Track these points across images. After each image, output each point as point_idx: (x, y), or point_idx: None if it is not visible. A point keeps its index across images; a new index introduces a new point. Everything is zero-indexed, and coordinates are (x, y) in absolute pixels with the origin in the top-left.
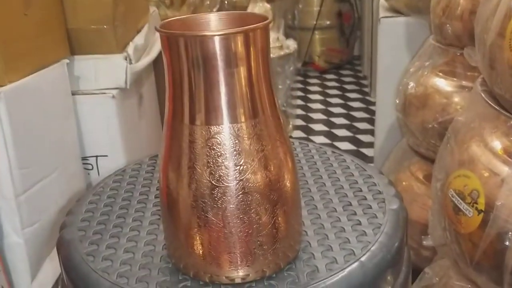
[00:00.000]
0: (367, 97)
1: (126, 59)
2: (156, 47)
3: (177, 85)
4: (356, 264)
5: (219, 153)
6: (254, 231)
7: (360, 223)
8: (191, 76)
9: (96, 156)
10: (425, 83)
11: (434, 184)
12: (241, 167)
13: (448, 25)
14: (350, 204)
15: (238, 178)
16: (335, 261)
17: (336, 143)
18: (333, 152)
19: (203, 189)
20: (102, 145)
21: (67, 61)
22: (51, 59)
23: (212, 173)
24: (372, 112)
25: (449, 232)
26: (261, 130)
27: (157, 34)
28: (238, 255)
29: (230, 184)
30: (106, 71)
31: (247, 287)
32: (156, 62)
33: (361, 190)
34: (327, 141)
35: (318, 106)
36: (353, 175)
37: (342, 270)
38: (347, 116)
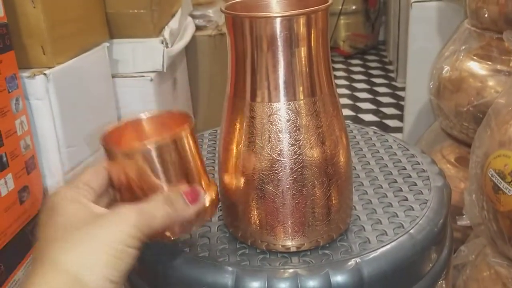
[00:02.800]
0: (393, 83)
1: (162, 43)
2: (189, 31)
3: (240, 64)
4: (405, 236)
5: (280, 129)
6: (311, 203)
7: (406, 199)
8: (254, 55)
9: None
10: (460, 67)
11: (473, 165)
12: (301, 142)
13: (484, 9)
14: (396, 181)
15: (297, 153)
16: (385, 233)
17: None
18: (374, 132)
19: (264, 162)
20: None
21: (107, 44)
22: (92, 42)
23: (273, 147)
24: (399, 97)
25: (487, 210)
26: (319, 107)
27: (189, 19)
28: (295, 225)
29: (290, 158)
30: (144, 55)
31: (302, 255)
32: (188, 46)
33: (405, 169)
34: None
35: (344, 91)
36: (396, 154)
37: (392, 241)
38: (373, 101)
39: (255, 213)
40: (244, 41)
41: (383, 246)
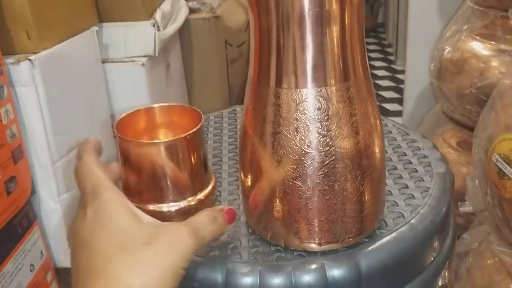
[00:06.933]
0: (393, 65)
1: (154, 26)
2: (182, 14)
3: (265, 46)
4: (406, 226)
5: (310, 118)
6: (342, 199)
7: (407, 187)
8: (280, 36)
9: None
10: (462, 47)
11: (476, 149)
12: (332, 133)
13: None
14: (395, 168)
15: (329, 144)
16: (384, 223)
17: None
18: None
19: (293, 155)
20: None
21: (96, 28)
22: (81, 26)
23: (302, 138)
24: (398, 81)
25: (491, 197)
26: (353, 93)
27: (182, 1)
28: (324, 224)
29: (320, 151)
30: (134, 39)
31: (337, 255)
32: (182, 30)
33: (405, 154)
34: None
35: None
36: (396, 139)
37: (392, 232)
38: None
39: (281, 210)
40: (269, 19)
41: (382, 238)
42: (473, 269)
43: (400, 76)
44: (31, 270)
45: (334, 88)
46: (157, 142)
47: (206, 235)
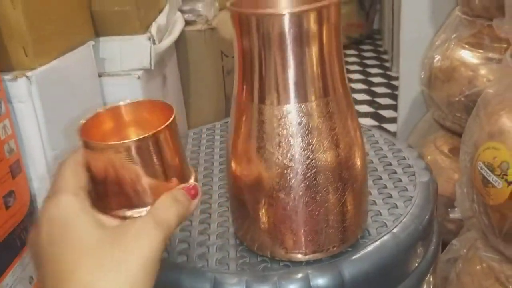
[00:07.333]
0: (388, 72)
1: (149, 40)
2: (178, 26)
3: (247, 64)
4: (388, 235)
5: (291, 133)
6: (325, 210)
7: (391, 196)
8: (262, 55)
9: None
10: (451, 56)
11: (462, 157)
12: (313, 146)
13: None
14: (381, 178)
15: (311, 157)
16: (367, 233)
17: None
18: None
19: (276, 168)
20: None
21: (92, 43)
22: (77, 41)
23: (284, 152)
24: (394, 87)
25: (478, 204)
26: (333, 108)
27: (178, 14)
28: (308, 234)
29: (302, 164)
30: (130, 52)
31: (322, 264)
32: (178, 42)
33: (390, 164)
34: None
35: None
36: (382, 149)
37: (375, 241)
38: (368, 92)
39: (266, 221)
40: (251, 39)
41: (366, 247)
42: (462, 275)
43: (395, 82)
44: (30, 283)
45: (314, 103)
46: (115, 144)
47: (171, 219)
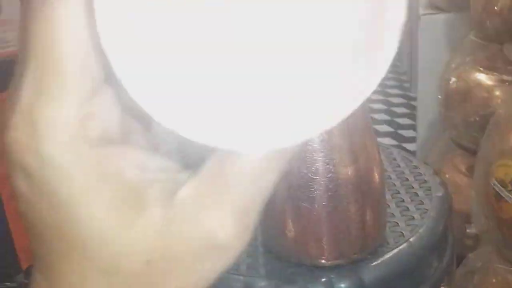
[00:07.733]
0: (408, 93)
1: None
2: None
3: None
4: (405, 244)
5: (316, 149)
6: (346, 219)
7: (408, 209)
8: None
9: None
10: (466, 78)
11: (477, 174)
12: (335, 161)
13: (488, 21)
14: (398, 192)
15: (332, 171)
16: (386, 242)
17: (378, 139)
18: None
19: (302, 181)
20: None
21: None
22: None
23: (309, 166)
24: (413, 107)
25: (491, 219)
26: (351, 125)
27: None
28: (330, 242)
29: (325, 177)
30: None
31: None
32: None
33: (407, 180)
34: None
35: None
36: (399, 166)
37: (393, 249)
38: (387, 112)
39: (293, 230)
40: None
41: (384, 255)
42: None
43: (414, 103)
44: None
45: None
46: None
47: None
